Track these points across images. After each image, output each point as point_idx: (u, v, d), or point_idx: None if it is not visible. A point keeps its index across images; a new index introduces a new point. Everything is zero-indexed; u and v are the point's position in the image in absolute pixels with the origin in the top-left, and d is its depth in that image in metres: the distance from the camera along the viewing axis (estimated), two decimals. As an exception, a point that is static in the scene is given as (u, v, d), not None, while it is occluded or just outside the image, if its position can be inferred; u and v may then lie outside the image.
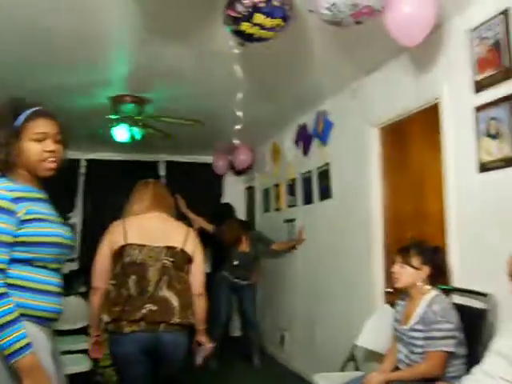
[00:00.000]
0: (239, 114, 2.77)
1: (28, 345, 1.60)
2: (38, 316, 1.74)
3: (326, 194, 4.63)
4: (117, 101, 4.37)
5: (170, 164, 7.17)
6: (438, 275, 2.69)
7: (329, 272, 4.56)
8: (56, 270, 1.85)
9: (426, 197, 3.32)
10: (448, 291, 2.89)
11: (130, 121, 4.44)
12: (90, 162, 6.75)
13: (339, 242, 4.35)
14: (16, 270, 1.72)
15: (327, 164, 4.59)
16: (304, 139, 5.08)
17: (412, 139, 3.49)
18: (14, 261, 1.71)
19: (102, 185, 6.71)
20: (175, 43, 3.29)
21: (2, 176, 1.81)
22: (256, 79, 3.83)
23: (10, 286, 1.68)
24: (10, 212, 1.71)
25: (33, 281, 1.75)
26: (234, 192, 7.31)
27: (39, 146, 1.83)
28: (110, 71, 3.86)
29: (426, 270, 2.67)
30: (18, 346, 1.59)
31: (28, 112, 1.85)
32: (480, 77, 2.71)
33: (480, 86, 2.72)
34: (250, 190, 7.25)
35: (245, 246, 5.51)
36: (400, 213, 3.62)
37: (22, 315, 1.67)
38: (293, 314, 5.44)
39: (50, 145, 1.84)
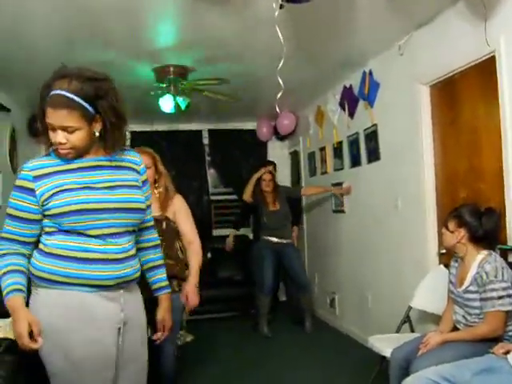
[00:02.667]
0: (280, 80, 2.72)
1: (8, 293, 1.72)
2: (86, 284, 1.77)
3: (374, 156, 4.56)
4: (160, 72, 4.36)
5: (213, 132, 7.17)
6: (483, 237, 2.63)
7: (379, 234, 4.52)
8: (104, 237, 1.80)
9: (481, 155, 3.22)
10: (505, 251, 2.86)
11: (175, 91, 4.43)
12: (133, 134, 6.72)
13: (389, 204, 4.29)
14: (60, 241, 1.79)
15: (375, 125, 4.49)
16: (350, 101, 4.98)
17: (465, 95, 3.36)
18: (59, 232, 1.79)
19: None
20: (217, 11, 3.22)
21: (47, 155, 1.85)
22: (299, 42, 3.74)
23: (56, 256, 1.77)
24: (26, 190, 1.77)
25: (74, 250, 1.77)
26: (277, 157, 7.25)
27: (53, 134, 1.77)
28: (153, 43, 3.84)
29: (461, 233, 2.65)
30: (4, 292, 1.73)
31: (49, 95, 1.73)
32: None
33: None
34: (294, 155, 7.21)
35: (275, 205, 5.54)
36: (454, 172, 3.52)
37: (71, 284, 1.76)
38: (342, 277, 5.44)
39: (56, 135, 1.75)
